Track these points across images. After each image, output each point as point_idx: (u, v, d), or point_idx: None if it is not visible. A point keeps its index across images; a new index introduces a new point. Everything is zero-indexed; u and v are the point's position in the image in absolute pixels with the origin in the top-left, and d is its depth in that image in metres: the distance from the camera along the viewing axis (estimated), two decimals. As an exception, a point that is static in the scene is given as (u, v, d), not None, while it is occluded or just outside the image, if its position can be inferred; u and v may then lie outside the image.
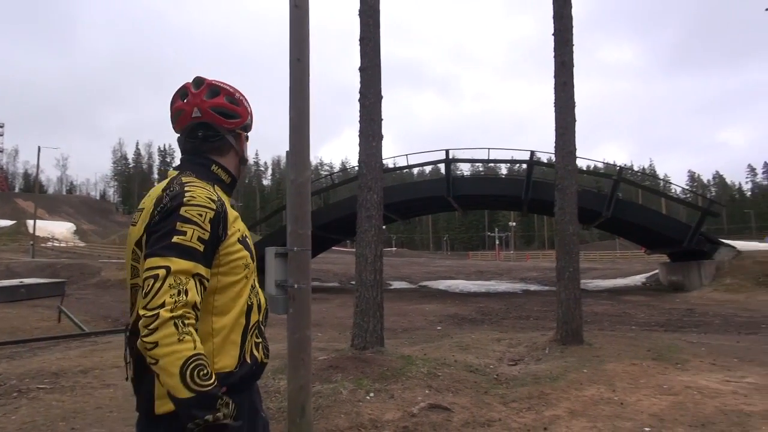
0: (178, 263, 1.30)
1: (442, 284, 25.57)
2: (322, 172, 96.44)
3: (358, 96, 6.81)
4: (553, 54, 7.68)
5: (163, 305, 1.25)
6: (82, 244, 63.46)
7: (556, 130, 7.69)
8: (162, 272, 1.28)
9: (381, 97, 6.80)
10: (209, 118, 1.54)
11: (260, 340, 1.55)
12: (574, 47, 7.67)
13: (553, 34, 7.72)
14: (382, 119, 6.80)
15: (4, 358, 8.02)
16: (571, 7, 7.68)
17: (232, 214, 1.49)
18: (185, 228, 1.33)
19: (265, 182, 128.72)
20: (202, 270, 1.34)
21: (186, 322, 1.26)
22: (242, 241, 1.50)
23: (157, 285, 1.27)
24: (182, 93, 1.57)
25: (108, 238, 69.17)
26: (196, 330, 1.30)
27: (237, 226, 1.50)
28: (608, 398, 4.81)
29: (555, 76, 7.70)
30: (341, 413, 4.36)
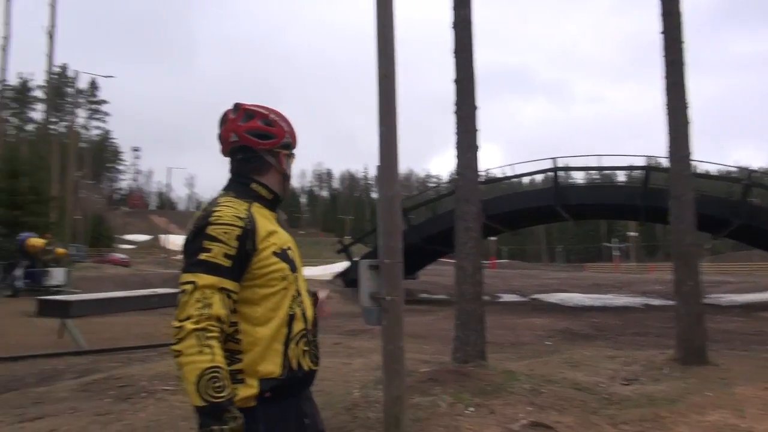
0: (204, 278, 1.42)
1: (555, 297, 24.62)
2: (429, 184, 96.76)
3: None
4: (662, 54, 7.20)
5: (189, 318, 1.38)
6: (209, 257, 68.02)
7: (668, 134, 7.18)
8: (189, 287, 1.42)
9: (476, 108, 6.74)
10: (246, 141, 1.65)
11: (308, 348, 1.61)
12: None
13: (661, 33, 7.24)
14: (477, 130, 6.73)
15: (137, 361, 8.81)
16: (679, 4, 7.19)
17: (265, 228, 1.57)
18: (211, 246, 1.45)
19: (375, 195, 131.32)
20: (227, 284, 1.44)
21: (208, 335, 1.37)
22: (279, 254, 1.57)
23: (185, 299, 1.41)
24: (223, 120, 1.70)
25: (231, 251, 73.64)
26: (222, 341, 1.41)
27: (273, 240, 1.58)
28: (734, 425, 4.38)
29: (665, 77, 7.21)
30: (439, 426, 4.33)
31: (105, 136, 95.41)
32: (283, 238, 1.63)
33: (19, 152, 26.21)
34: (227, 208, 1.52)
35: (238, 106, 1.68)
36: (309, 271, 30.21)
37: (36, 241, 17.08)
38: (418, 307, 20.13)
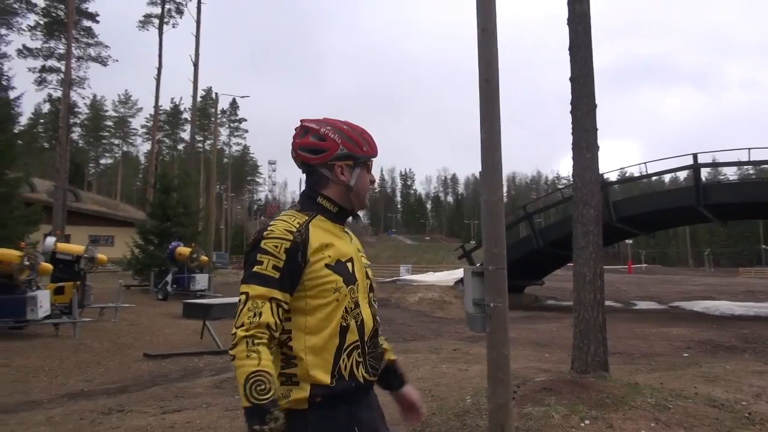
0: (255, 289, 1.52)
1: (698, 305, 22.51)
2: (559, 186, 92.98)
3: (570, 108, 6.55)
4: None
5: (242, 325, 1.49)
6: (338, 263, 70.75)
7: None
8: (243, 297, 1.53)
9: (595, 107, 6.43)
10: (301, 157, 1.72)
11: (362, 359, 1.64)
12: None
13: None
14: (596, 129, 6.42)
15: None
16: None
17: (318, 241, 1.61)
18: (263, 258, 1.54)
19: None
20: (277, 294, 1.53)
21: (256, 341, 1.47)
22: (333, 266, 1.61)
23: (240, 308, 1.52)
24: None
25: (359, 257, 76.11)
26: (271, 348, 1.50)
27: (327, 253, 1.62)
28: None
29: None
30: (551, 438, 4.19)
31: (244, 152, 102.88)
32: (342, 250, 1.67)
33: (171, 170, 29.01)
34: (281, 222, 1.61)
35: (300, 124, 1.75)
36: (432, 277, 30.30)
37: (183, 249, 18.79)
38: (545, 313, 19.44)
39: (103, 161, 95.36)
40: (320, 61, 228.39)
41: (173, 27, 40.39)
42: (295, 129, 1.75)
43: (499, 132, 3.86)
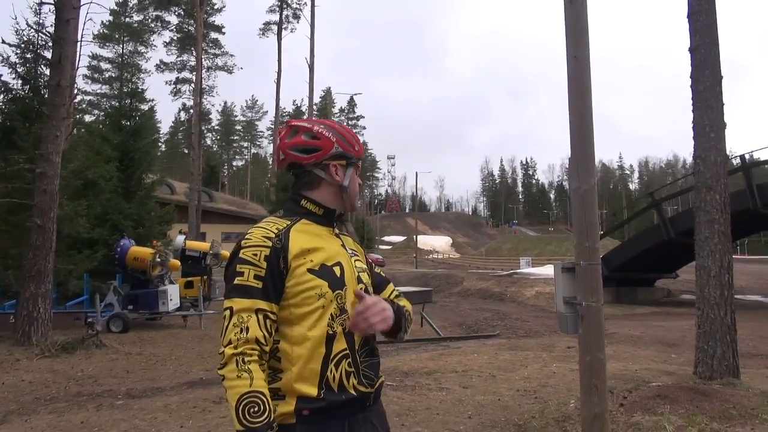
0: (239, 302, 1.43)
1: None
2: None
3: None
4: None
5: (229, 343, 1.40)
6: (457, 255, 70.66)
7: None
8: (227, 313, 1.43)
9: (720, 79, 5.72)
10: (291, 158, 1.60)
11: (353, 369, 1.49)
12: None
13: None
14: (723, 104, 5.70)
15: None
16: None
17: (299, 245, 1.50)
18: (243, 269, 1.45)
19: (632, 186, 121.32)
20: (262, 305, 1.43)
21: (246, 359, 1.38)
22: (317, 270, 1.49)
23: (225, 324, 1.43)
24: (277, 140, 1.65)
25: (478, 249, 75.45)
26: (262, 364, 1.41)
27: (310, 257, 1.49)
28: None
29: None
30: (663, 453, 3.76)
31: (363, 148, 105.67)
32: (329, 253, 1.55)
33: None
34: (258, 229, 1.52)
35: (287, 124, 1.66)
36: (552, 270, 29.04)
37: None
38: (677, 309, 17.87)
39: (235, 163, 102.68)
40: (438, 50, 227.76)
41: (291, 32, 42.32)
42: (280, 131, 1.66)
43: (591, 114, 3.50)
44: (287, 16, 41.83)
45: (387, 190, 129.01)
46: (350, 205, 1.67)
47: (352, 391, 1.50)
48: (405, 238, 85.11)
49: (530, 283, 21.51)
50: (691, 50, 5.90)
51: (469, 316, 15.90)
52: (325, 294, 1.49)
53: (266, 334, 1.43)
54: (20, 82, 10.79)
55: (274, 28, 41.92)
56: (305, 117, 44.65)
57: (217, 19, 39.43)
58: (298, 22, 41.85)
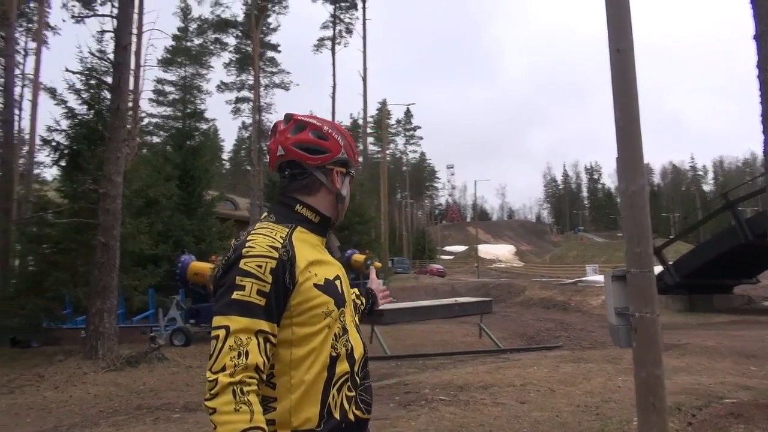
0: (237, 321, 1.23)
1: None
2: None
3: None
4: None
5: (223, 369, 1.19)
6: (520, 264, 69.14)
7: None
8: (222, 333, 1.23)
9: (790, 66, 5.25)
10: (293, 155, 1.43)
11: (353, 393, 1.35)
12: None
13: None
14: (795, 93, 5.23)
15: (431, 368, 9.31)
16: None
17: (305, 258, 1.33)
18: (245, 282, 1.26)
19: (707, 188, 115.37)
20: (264, 326, 1.24)
21: (245, 389, 1.19)
22: (322, 286, 1.34)
23: (219, 346, 1.22)
24: (273, 131, 1.49)
25: (542, 257, 73.57)
26: (259, 395, 1.23)
27: (314, 271, 1.34)
28: None
29: None
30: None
31: (421, 158, 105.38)
32: (329, 267, 1.41)
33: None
34: (261, 237, 1.33)
35: (289, 117, 1.49)
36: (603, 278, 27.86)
37: (359, 257, 19.65)
38: (758, 318, 16.66)
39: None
40: (491, 55, 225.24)
41: (344, 46, 43.06)
42: (283, 123, 1.49)
43: (637, 110, 3.27)
44: (340, 31, 42.58)
45: (447, 200, 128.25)
46: (341, 216, 1.53)
47: (351, 418, 1.36)
48: (467, 247, 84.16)
49: (596, 291, 20.67)
50: (755, 37, 5.47)
51: (530, 326, 15.40)
52: (331, 312, 1.35)
53: (266, 360, 1.25)
54: (85, 107, 11.41)
55: (328, 43, 42.70)
56: (361, 130, 45.01)
57: (273, 38, 40.43)
58: (350, 36, 42.63)
